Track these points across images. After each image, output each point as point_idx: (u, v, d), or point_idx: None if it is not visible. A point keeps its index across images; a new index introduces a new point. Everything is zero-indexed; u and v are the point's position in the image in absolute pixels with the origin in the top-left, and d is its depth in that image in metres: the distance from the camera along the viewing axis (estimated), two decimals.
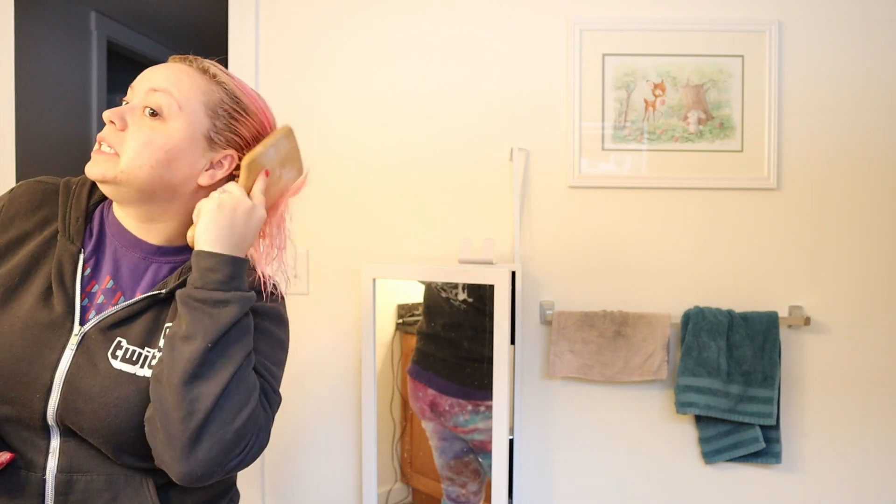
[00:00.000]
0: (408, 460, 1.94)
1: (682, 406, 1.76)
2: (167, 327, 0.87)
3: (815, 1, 1.80)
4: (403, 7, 1.85)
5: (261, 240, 0.97)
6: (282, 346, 0.96)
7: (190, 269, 0.89)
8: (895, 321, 1.81)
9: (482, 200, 1.86)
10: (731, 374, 1.76)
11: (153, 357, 0.85)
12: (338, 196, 1.87)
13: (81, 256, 0.88)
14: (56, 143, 2.52)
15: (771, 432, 1.79)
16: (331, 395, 1.89)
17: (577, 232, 1.85)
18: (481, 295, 1.73)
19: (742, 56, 1.80)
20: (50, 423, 0.82)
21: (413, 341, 1.89)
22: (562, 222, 1.85)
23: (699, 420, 1.82)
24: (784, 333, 1.81)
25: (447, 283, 1.80)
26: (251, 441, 0.82)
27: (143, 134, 0.84)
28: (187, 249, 0.93)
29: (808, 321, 1.78)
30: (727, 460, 1.81)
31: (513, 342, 1.72)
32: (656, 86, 1.81)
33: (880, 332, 1.81)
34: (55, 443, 0.83)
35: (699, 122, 1.81)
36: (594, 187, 1.84)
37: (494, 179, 1.85)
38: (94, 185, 0.94)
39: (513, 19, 1.84)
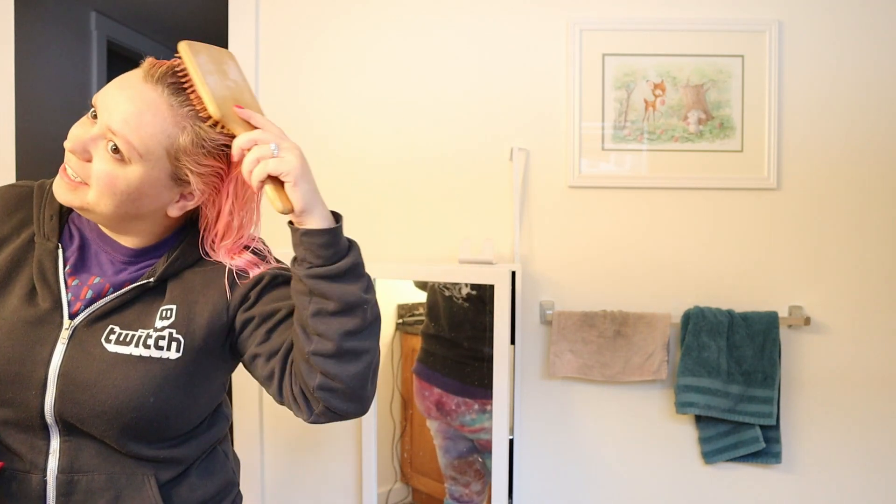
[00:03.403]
0: (408, 460, 1.94)
1: (682, 406, 1.76)
2: (164, 309, 0.87)
3: (815, 1, 1.80)
4: (404, 7, 1.85)
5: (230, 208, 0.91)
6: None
7: (176, 256, 0.89)
8: (894, 321, 1.81)
9: (482, 200, 1.86)
10: (731, 374, 1.76)
11: (147, 336, 0.85)
12: (337, 196, 1.87)
13: (60, 252, 0.87)
14: (56, 143, 2.52)
15: (771, 432, 1.79)
16: None
17: (577, 232, 1.85)
18: (482, 294, 1.73)
19: (742, 56, 1.80)
20: (49, 421, 0.82)
21: (413, 341, 1.89)
22: (562, 222, 1.85)
23: (699, 420, 1.82)
24: (784, 333, 1.81)
25: (449, 282, 1.80)
26: None
27: (105, 172, 0.80)
28: (164, 246, 0.91)
29: (808, 321, 1.78)
30: (727, 460, 1.81)
31: (513, 342, 1.73)
32: (656, 86, 1.81)
33: (880, 332, 1.81)
34: (55, 443, 0.83)
35: (699, 122, 1.81)
36: (594, 187, 1.84)
37: (494, 179, 1.85)
38: None
39: (513, 20, 1.84)
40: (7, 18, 1.77)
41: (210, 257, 0.92)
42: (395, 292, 1.90)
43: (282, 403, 0.90)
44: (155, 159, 0.82)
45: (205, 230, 0.92)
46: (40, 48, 2.43)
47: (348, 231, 1.76)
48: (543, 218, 1.85)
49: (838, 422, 1.83)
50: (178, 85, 0.82)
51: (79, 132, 0.82)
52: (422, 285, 1.89)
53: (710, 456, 1.81)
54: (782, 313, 1.81)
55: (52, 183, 0.92)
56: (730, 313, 1.77)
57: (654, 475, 1.86)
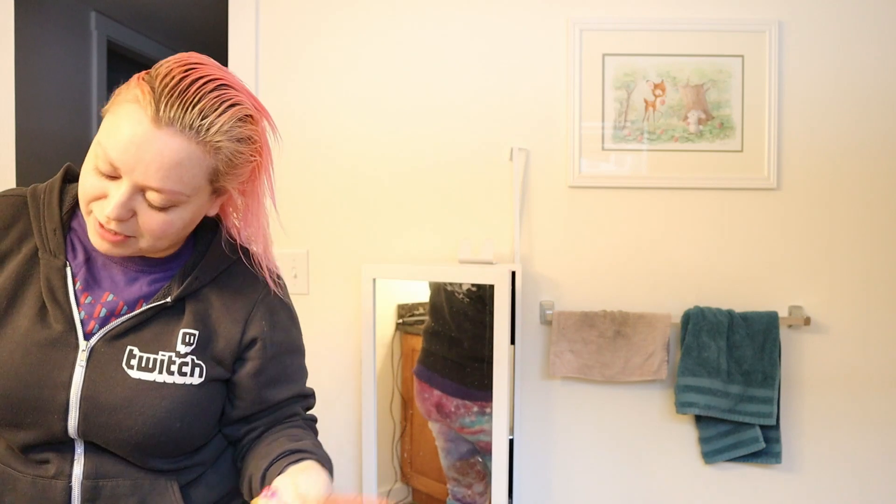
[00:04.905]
0: (408, 460, 1.94)
1: (682, 406, 1.76)
2: (184, 332, 0.86)
3: (815, 1, 1.80)
4: (403, 7, 1.85)
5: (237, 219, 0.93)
6: (300, 348, 1.00)
7: (191, 271, 0.89)
8: (894, 321, 1.81)
9: (482, 200, 1.86)
10: (731, 374, 1.76)
11: (170, 360, 0.84)
12: (338, 196, 1.87)
13: (69, 270, 0.85)
14: (56, 143, 2.53)
15: (771, 432, 1.79)
16: (331, 396, 1.89)
17: (577, 232, 1.85)
18: (482, 294, 1.73)
19: (742, 56, 1.80)
20: (72, 436, 0.82)
21: (413, 341, 1.89)
22: (562, 222, 1.85)
23: (699, 420, 1.82)
24: (784, 333, 1.81)
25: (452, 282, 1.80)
26: None
27: (157, 224, 0.80)
28: (178, 257, 0.91)
29: (808, 321, 1.78)
30: (727, 460, 1.81)
31: (513, 342, 1.72)
32: (656, 86, 1.81)
33: (880, 331, 1.81)
34: (80, 450, 0.83)
35: (699, 122, 1.81)
36: (594, 187, 1.84)
37: (494, 179, 1.85)
38: (62, 191, 0.89)
39: (513, 19, 1.84)
40: (7, 18, 1.77)
41: (235, 253, 0.93)
42: (395, 292, 1.90)
43: (227, 423, 0.94)
44: (200, 191, 0.82)
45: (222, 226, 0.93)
46: (40, 48, 2.43)
47: (350, 229, 1.76)
48: (543, 218, 1.85)
49: (838, 422, 1.83)
50: (194, 111, 0.77)
51: (107, 190, 0.78)
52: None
53: (710, 456, 1.81)
54: (782, 313, 1.81)
55: (45, 190, 0.89)
56: (730, 313, 1.77)
57: (654, 475, 1.86)
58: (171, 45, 3.18)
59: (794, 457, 1.83)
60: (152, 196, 0.78)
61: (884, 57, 1.80)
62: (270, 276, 0.94)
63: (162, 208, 0.79)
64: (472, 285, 1.75)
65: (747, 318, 1.77)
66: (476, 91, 1.85)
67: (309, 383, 1.02)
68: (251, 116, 0.83)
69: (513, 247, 1.84)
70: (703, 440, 1.81)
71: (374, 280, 1.78)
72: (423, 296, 1.90)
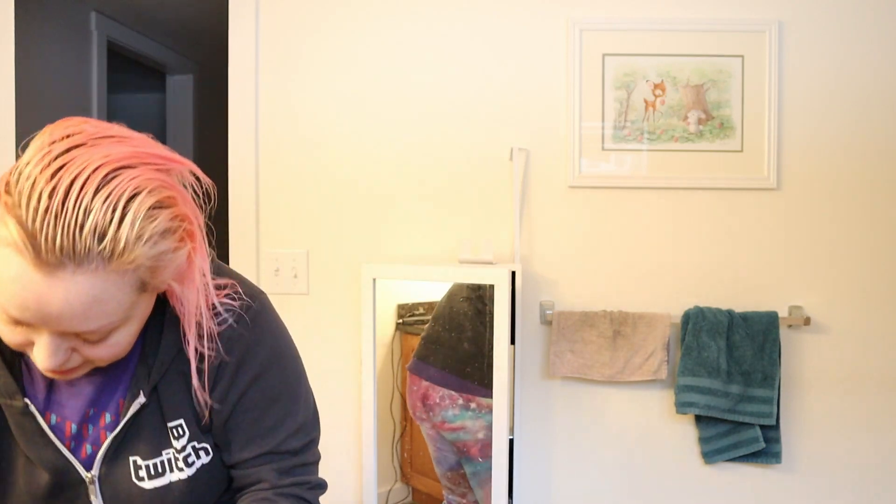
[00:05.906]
0: (408, 460, 1.94)
1: (682, 406, 1.76)
2: (173, 427, 0.80)
3: (815, 1, 1.80)
4: (403, 7, 1.86)
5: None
6: (282, 393, 0.86)
7: (153, 358, 0.79)
8: (894, 321, 1.81)
9: (482, 200, 1.86)
10: (731, 374, 1.76)
11: (174, 457, 0.80)
12: (338, 196, 1.88)
13: (32, 407, 0.74)
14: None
15: (771, 432, 1.79)
16: (331, 395, 1.89)
17: (577, 232, 1.85)
18: (482, 294, 1.73)
19: (742, 56, 1.80)
20: None
21: (413, 341, 1.89)
22: (562, 222, 1.85)
23: (699, 420, 1.82)
24: (784, 333, 1.81)
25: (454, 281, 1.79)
26: None
27: (104, 351, 0.68)
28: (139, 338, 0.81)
29: (808, 321, 1.78)
30: (727, 460, 1.81)
31: (513, 342, 1.72)
32: (656, 86, 1.81)
33: (880, 331, 1.81)
34: None
35: (699, 122, 1.81)
36: (594, 187, 1.84)
37: (494, 179, 1.85)
38: None
39: (513, 20, 1.84)
40: (7, 18, 1.77)
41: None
42: (395, 292, 1.90)
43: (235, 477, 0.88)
44: (135, 305, 0.67)
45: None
46: (40, 48, 2.43)
47: (350, 229, 1.76)
48: (543, 218, 1.85)
49: (838, 422, 1.83)
50: (85, 235, 0.58)
51: (30, 336, 0.65)
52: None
53: (710, 456, 1.81)
54: (782, 313, 1.81)
55: None
56: (730, 313, 1.77)
57: (654, 475, 1.86)
58: (171, 45, 3.18)
59: (794, 457, 1.83)
60: (84, 335, 0.65)
61: (884, 57, 1.80)
62: (214, 336, 0.80)
63: (100, 340, 0.67)
64: (472, 285, 1.75)
65: (747, 318, 1.77)
66: (476, 91, 1.85)
67: (308, 384, 0.98)
68: (164, 197, 0.64)
69: (513, 247, 1.84)
70: (702, 440, 1.81)
71: (374, 280, 1.78)
72: (423, 296, 1.90)
